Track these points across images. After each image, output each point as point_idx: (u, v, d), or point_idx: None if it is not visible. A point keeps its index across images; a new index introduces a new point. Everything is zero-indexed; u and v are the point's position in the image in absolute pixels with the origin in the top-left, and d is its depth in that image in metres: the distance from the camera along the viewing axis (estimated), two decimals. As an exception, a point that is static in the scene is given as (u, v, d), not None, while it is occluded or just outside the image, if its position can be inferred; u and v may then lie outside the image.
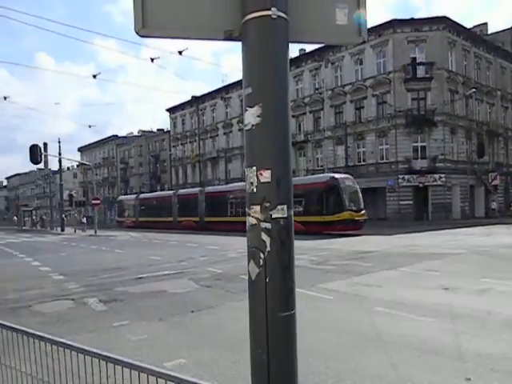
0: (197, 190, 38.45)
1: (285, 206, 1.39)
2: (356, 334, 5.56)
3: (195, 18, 1.41)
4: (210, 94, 52.77)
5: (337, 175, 26.01)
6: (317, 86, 40.10)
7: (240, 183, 35.64)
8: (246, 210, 1.43)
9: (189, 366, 4.59)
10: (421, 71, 34.05)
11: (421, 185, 33.49)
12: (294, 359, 1.49)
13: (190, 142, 57.43)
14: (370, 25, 1.60)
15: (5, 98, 23.76)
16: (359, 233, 23.49)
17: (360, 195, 25.33)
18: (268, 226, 1.37)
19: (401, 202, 34.28)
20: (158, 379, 1.81)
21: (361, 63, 37.03)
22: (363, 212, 24.58)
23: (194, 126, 56.77)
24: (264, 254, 1.38)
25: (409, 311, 6.56)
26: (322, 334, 5.56)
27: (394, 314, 6.44)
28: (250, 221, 1.40)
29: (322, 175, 29.25)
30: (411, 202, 34.06)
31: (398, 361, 4.59)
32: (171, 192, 42.78)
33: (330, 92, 39.21)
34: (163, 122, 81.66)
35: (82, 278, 10.94)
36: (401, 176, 34.12)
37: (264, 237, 1.37)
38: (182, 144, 58.88)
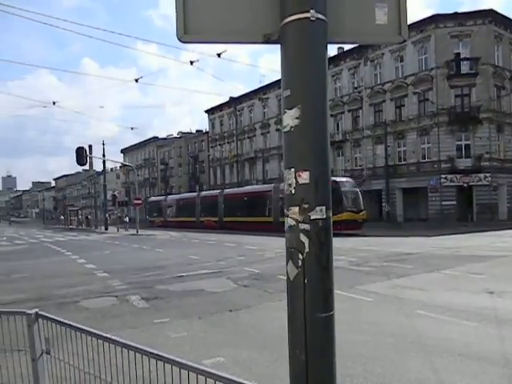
0: (217, 192, 40.55)
1: (323, 208, 1.39)
2: (396, 337, 5.45)
3: (235, 22, 1.44)
4: (247, 94, 53.01)
5: (338, 178, 27.48)
6: (356, 85, 39.45)
7: (254, 186, 39.82)
8: (285, 211, 1.44)
9: (227, 364, 4.65)
10: (465, 67, 32.76)
11: (465, 185, 32.22)
12: (333, 361, 1.49)
13: (227, 143, 57.98)
14: (410, 21, 1.57)
15: (54, 103, 24.90)
16: (359, 233, 25.01)
17: (360, 197, 27.15)
18: (307, 227, 1.38)
19: (443, 203, 33.11)
20: (198, 376, 1.85)
21: (401, 60, 36.08)
22: (363, 213, 26.54)
23: (231, 127, 57.27)
24: (303, 254, 1.38)
25: (451, 315, 6.35)
26: (361, 337, 5.48)
27: (436, 318, 6.25)
28: (289, 222, 1.41)
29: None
30: (454, 203, 32.83)
31: (439, 365, 4.46)
32: (195, 194, 45.09)
33: (369, 90, 38.46)
34: (202, 123, 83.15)
35: (125, 276, 11.29)
36: (443, 176, 32.95)
37: (303, 238, 1.38)
38: (220, 145, 59.54)
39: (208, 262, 13.85)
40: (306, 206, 1.37)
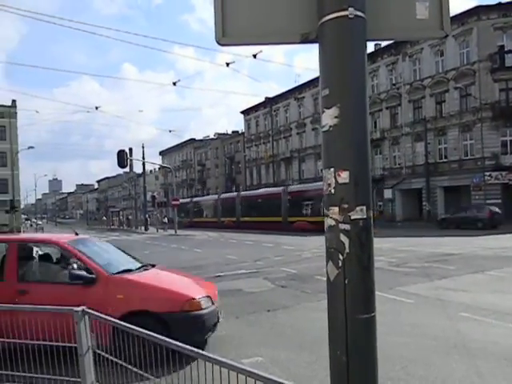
0: (234, 194, 44.13)
1: (364, 207, 1.37)
2: (438, 340, 5.28)
3: (272, 23, 1.45)
4: (283, 94, 52.90)
5: None
6: (394, 81, 38.53)
7: (266, 189, 41.57)
8: (324, 211, 1.43)
9: (266, 364, 4.66)
10: (509, 60, 31.27)
11: (511, 182, 30.79)
12: (375, 363, 1.46)
13: (263, 143, 58.09)
14: (451, 14, 1.52)
15: (96, 108, 25.88)
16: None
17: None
18: (347, 227, 1.36)
19: (487, 201, 31.74)
20: (239, 375, 1.87)
21: (441, 55, 34.90)
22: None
23: (267, 127, 57.34)
24: (343, 255, 1.37)
25: (496, 318, 6.09)
26: (403, 339, 5.35)
27: (480, 320, 6.02)
28: (329, 222, 1.40)
29: (321, 183, 33.09)
30: (499, 201, 31.41)
31: (484, 369, 4.29)
32: (215, 196, 48.40)
33: (407, 86, 37.45)
34: (238, 124, 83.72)
35: (164, 275, 11.54)
36: (487, 173, 31.61)
37: (343, 238, 1.37)
38: (255, 145, 59.74)
39: (245, 262, 13.92)
40: (345, 205, 1.36)
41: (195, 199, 52.72)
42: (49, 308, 3.23)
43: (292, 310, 7.19)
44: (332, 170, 1.38)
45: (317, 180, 47.04)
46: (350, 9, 1.32)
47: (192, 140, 76.19)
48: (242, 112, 63.11)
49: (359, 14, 1.35)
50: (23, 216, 68.69)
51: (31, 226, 65.98)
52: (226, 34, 1.43)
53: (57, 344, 3.30)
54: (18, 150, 53.42)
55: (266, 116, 57.70)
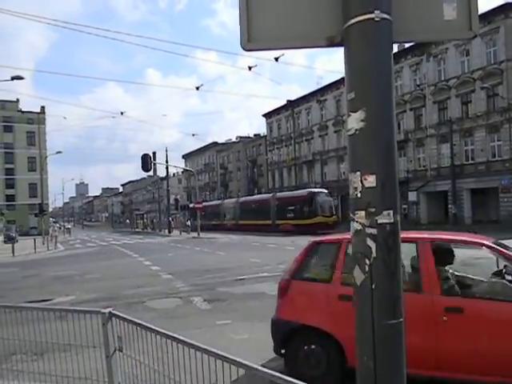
0: (234, 200, 50.00)
1: (391, 211, 1.35)
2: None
3: (297, 27, 1.45)
4: (304, 97, 52.77)
5: (314, 190, 36.32)
6: (418, 82, 37.93)
7: (260, 195, 47.89)
8: (350, 215, 1.41)
9: (289, 368, 4.63)
10: (540, 57, 30.39)
11: (542, 184, 29.84)
12: (403, 369, 1.44)
13: (285, 146, 58.03)
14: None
15: (121, 113, 26.42)
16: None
17: (332, 205, 34.75)
18: (373, 231, 1.34)
19: (518, 204, 30.87)
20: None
21: (467, 54, 34.16)
22: (334, 217, 34.11)
23: (289, 130, 57.27)
24: (369, 259, 1.36)
25: None
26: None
27: None
28: (355, 226, 1.39)
29: (304, 190, 37.65)
30: (530, 204, 30.49)
31: None
32: (219, 201, 53.68)
33: (432, 87, 36.79)
34: (260, 127, 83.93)
35: (188, 278, 11.65)
36: (517, 175, 30.74)
37: (369, 242, 1.35)
38: (277, 148, 59.73)
39: (268, 265, 13.91)
40: (372, 209, 1.34)
41: (204, 203, 56.10)
42: (77, 309, 3.30)
43: (315, 314, 7.13)
44: (358, 173, 1.36)
45: (339, 182, 46.82)
46: (375, 11, 1.31)
47: (214, 143, 76.73)
48: (264, 115, 63.22)
49: (385, 16, 1.33)
50: (51, 219, 70.57)
51: (59, 228, 67.74)
52: (251, 40, 1.44)
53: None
54: (47, 155, 54.94)
55: (287, 119, 57.64)
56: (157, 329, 2.57)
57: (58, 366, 3.51)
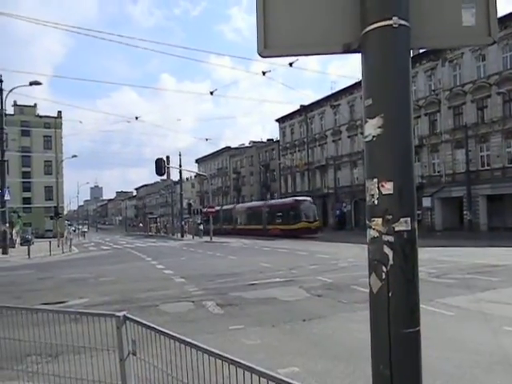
0: (231, 206, 54.03)
1: (408, 219, 1.34)
2: (482, 355, 5.06)
3: (314, 34, 1.45)
4: (318, 102, 52.74)
5: (298, 198, 39.91)
6: (433, 87, 37.61)
7: (253, 202, 51.94)
8: (367, 222, 1.41)
9: (302, 374, 4.60)
10: (558, 62, 29.89)
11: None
12: (419, 378, 1.42)
13: (298, 151, 57.98)
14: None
15: (136, 118, 26.73)
16: (314, 236, 35.20)
17: (315, 211, 38.58)
18: (391, 239, 1.33)
19: (535, 211, 30.30)
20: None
21: (483, 59, 33.77)
22: (316, 222, 37.73)
23: (302, 135, 57.22)
24: (386, 267, 1.34)
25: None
26: (443, 353, 5.16)
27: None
28: (372, 233, 1.38)
29: (290, 198, 41.92)
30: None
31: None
32: (218, 207, 53.79)
33: (447, 92, 36.44)
34: (272, 131, 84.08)
35: (200, 282, 11.67)
36: (534, 181, 30.19)
37: (386, 250, 1.34)
38: (290, 153, 59.70)
39: (280, 270, 13.87)
40: (389, 217, 1.33)
41: (204, 210, 59.35)
42: (91, 312, 3.33)
43: (328, 320, 7.09)
44: (375, 180, 1.36)
45: (353, 188, 46.53)
46: (394, 18, 1.31)
47: (227, 148, 77.05)
48: (277, 120, 63.30)
49: (403, 22, 1.33)
50: (66, 222, 71.51)
51: (74, 231, 68.57)
52: (268, 46, 1.44)
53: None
54: (63, 158, 55.77)
55: (301, 124, 57.61)
56: (171, 333, 2.58)
57: (72, 368, 3.54)
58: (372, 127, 1.36)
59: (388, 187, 1.33)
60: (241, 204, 55.82)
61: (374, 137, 1.36)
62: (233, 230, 47.53)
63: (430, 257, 15.88)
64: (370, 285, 1.40)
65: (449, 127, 36.34)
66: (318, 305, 8.34)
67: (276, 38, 1.45)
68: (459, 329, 6.34)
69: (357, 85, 42.64)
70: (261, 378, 1.96)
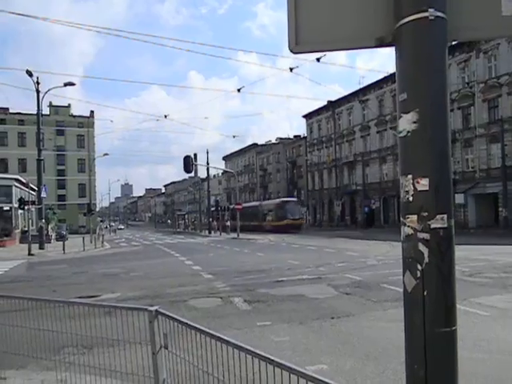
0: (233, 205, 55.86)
1: (445, 216, 1.31)
2: (519, 357, 4.89)
3: (346, 28, 1.43)
4: (346, 97, 52.01)
5: (285, 199, 48.26)
6: (466, 80, 36.46)
7: (251, 202, 55.84)
8: (401, 219, 1.38)
9: (330, 372, 4.58)
10: None
11: None
12: (455, 379, 1.39)
13: (325, 147, 57.46)
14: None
15: (165, 116, 27.12)
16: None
17: (299, 210, 46.54)
18: (426, 236, 1.30)
19: None
20: (309, 383, 1.85)
21: (520, 50, 32.51)
22: (300, 220, 45.04)
23: (329, 131, 56.67)
24: (421, 265, 1.31)
25: None
26: (478, 354, 5.01)
27: None
28: (406, 231, 1.35)
29: (278, 199, 49.47)
30: None
31: None
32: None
33: (482, 85, 35.26)
34: (299, 128, 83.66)
35: (228, 278, 11.76)
36: None
37: (422, 248, 1.31)
38: (318, 149, 59.25)
39: (308, 267, 13.81)
40: (425, 214, 1.30)
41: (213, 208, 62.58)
42: (124, 306, 3.41)
43: (357, 319, 7.01)
44: (410, 176, 1.33)
45: (382, 184, 45.76)
46: (430, 10, 1.27)
47: (254, 145, 77.17)
48: (304, 116, 62.90)
49: (440, 14, 1.29)
50: (98, 218, 73.44)
51: (106, 227, 70.35)
52: (300, 42, 1.43)
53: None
54: (95, 156, 57.24)
55: (328, 119, 57.05)
56: (202, 328, 2.62)
57: (106, 361, 3.64)
58: (407, 122, 1.33)
59: (423, 183, 1.30)
60: (244, 204, 58.04)
61: (408, 132, 1.33)
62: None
63: (463, 255, 15.44)
64: (404, 283, 1.37)
65: (483, 121, 35.18)
66: (347, 303, 8.26)
67: (307, 34, 1.43)
68: (494, 329, 6.15)
69: (386, 79, 41.87)
70: (291, 375, 1.96)
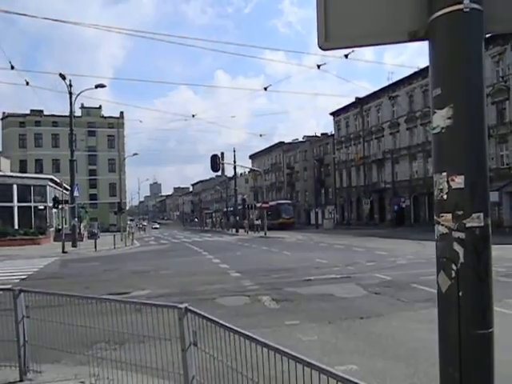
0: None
1: (481, 214, 1.26)
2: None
3: (377, 23, 1.40)
4: (374, 93, 51.06)
5: (280, 201, 56.97)
6: (501, 74, 35.18)
7: (261, 203, 52.70)
8: (435, 217, 1.34)
9: (360, 373, 4.52)
10: None
11: None
12: (491, 382, 1.34)
13: (354, 145, 56.69)
14: None
15: (193, 116, 27.52)
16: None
17: (291, 211, 55.70)
18: (461, 235, 1.26)
19: None
20: (333, 380, 1.82)
21: (559, 41, 31.12)
22: (292, 219, 54.08)
23: (358, 128, 55.87)
24: (456, 265, 1.27)
25: None
26: (515, 358, 4.83)
27: None
28: (440, 229, 1.31)
29: (274, 201, 55.55)
30: None
31: None
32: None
33: (517, 79, 33.93)
34: (327, 125, 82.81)
35: (256, 277, 11.78)
36: None
37: (457, 247, 1.27)
38: (345, 147, 58.52)
39: (336, 266, 13.68)
40: (460, 212, 1.26)
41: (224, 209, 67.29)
42: (155, 303, 3.47)
43: (387, 319, 6.89)
44: (444, 174, 1.29)
45: (412, 182, 44.80)
46: (465, 1, 1.23)
47: (281, 143, 76.89)
48: (332, 113, 62.23)
49: (475, 6, 1.24)
50: (128, 217, 75.01)
51: (136, 225, 71.78)
52: (329, 39, 1.41)
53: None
54: (125, 156, 58.46)
55: (356, 116, 56.26)
56: (231, 326, 2.63)
57: (136, 356, 3.71)
58: (441, 118, 1.29)
59: (458, 181, 1.26)
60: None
61: (443, 128, 1.29)
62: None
63: (498, 254, 14.89)
64: (438, 283, 1.34)
65: (519, 116, 33.88)
66: (376, 303, 8.14)
67: (337, 30, 1.41)
68: (532, 332, 5.91)
69: (416, 74, 40.93)
70: (321, 375, 1.94)
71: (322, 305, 8.04)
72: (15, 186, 32.14)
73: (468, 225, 1.26)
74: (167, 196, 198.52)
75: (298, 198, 71.81)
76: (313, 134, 74.63)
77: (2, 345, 4.24)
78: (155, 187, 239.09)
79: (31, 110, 66.82)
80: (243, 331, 2.51)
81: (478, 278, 1.27)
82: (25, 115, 67.73)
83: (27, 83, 20.24)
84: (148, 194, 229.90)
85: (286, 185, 75.26)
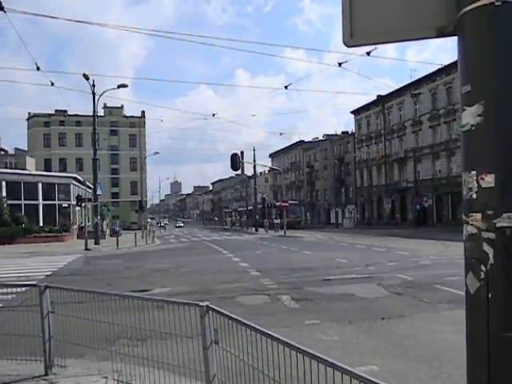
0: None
1: (512, 214, 1.23)
2: None
3: (404, 19, 1.37)
4: (396, 91, 50.28)
5: (289, 201, 50.18)
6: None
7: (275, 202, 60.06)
8: (463, 217, 1.31)
9: (382, 374, 4.46)
10: None
11: None
12: (521, 387, 1.31)
13: (375, 143, 56.05)
14: None
15: (213, 115, 27.59)
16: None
17: (298, 210, 59.91)
18: (491, 235, 1.23)
19: None
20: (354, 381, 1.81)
21: None
22: (298, 218, 57.08)
23: (379, 127, 55.20)
24: (486, 266, 1.24)
25: None
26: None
27: None
28: (469, 229, 1.28)
29: (283, 201, 51.16)
30: None
31: None
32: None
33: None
34: (347, 124, 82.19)
35: (275, 276, 11.77)
36: None
37: (486, 248, 1.24)
38: (366, 145, 57.90)
39: (357, 266, 13.56)
40: (490, 212, 1.23)
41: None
42: (176, 301, 3.50)
43: (409, 320, 6.79)
44: (474, 173, 1.26)
45: (434, 181, 44.01)
46: None
47: (301, 142, 76.62)
48: (353, 112, 61.67)
49: (507, -1, 1.21)
50: (149, 215, 75.98)
51: (157, 224, 72.68)
52: (354, 35, 1.39)
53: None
54: (146, 155, 59.23)
55: (377, 115, 55.59)
56: (252, 325, 2.63)
57: (158, 353, 3.76)
58: (471, 116, 1.26)
59: (488, 180, 1.22)
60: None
61: (472, 126, 1.26)
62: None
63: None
64: (466, 284, 1.31)
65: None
66: (398, 303, 8.03)
67: (363, 26, 1.39)
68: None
69: (440, 71, 40.20)
70: (343, 375, 1.92)
71: (343, 305, 7.98)
72: (40, 185, 32.94)
73: (498, 225, 1.22)
74: (187, 195, 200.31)
75: (317, 197, 71.49)
76: (333, 132, 74.28)
77: (28, 340, 4.35)
78: (175, 186, 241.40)
79: (56, 110, 68.36)
80: (265, 330, 2.52)
81: (509, 279, 1.24)
82: (49, 115, 69.38)
83: (52, 84, 20.66)
84: (168, 193, 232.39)
85: (305, 184, 74.97)
